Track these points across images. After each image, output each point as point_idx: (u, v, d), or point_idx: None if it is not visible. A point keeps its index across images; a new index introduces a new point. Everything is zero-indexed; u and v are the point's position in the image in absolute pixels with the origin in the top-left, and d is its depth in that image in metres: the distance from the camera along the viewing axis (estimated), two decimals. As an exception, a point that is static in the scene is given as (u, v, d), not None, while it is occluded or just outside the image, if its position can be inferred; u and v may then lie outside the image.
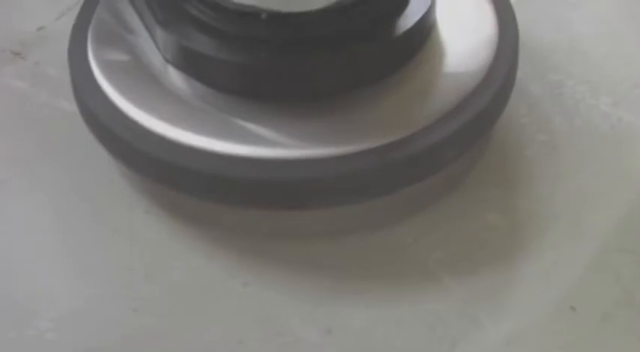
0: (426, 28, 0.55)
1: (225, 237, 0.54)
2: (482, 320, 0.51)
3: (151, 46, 0.55)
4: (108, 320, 0.51)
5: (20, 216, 0.56)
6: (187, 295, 0.52)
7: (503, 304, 0.52)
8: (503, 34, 0.56)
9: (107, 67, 0.55)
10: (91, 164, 0.58)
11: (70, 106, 0.60)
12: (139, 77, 0.55)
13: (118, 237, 0.54)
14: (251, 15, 0.52)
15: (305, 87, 0.53)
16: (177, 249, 0.54)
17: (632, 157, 0.58)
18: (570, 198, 0.56)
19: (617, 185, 0.56)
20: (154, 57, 0.55)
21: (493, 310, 0.51)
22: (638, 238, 0.54)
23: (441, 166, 0.54)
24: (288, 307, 0.51)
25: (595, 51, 0.63)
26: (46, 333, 0.50)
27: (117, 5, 0.58)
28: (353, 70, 0.53)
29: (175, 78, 0.54)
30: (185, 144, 0.51)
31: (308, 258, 0.53)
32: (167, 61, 0.55)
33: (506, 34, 0.57)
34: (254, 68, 0.53)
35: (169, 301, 0.52)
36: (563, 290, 0.52)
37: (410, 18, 0.54)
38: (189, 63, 0.54)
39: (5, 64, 0.64)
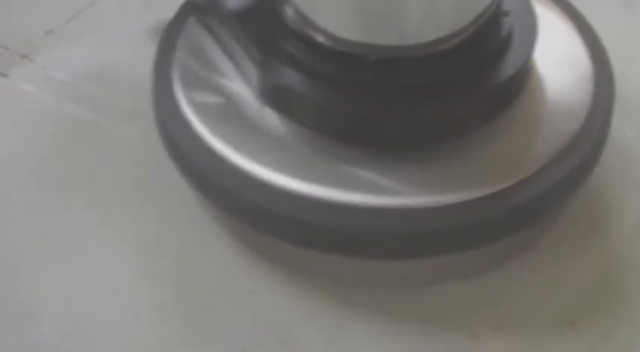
0: (527, 70, 0.53)
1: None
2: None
3: (244, 88, 0.53)
4: (111, 326, 0.51)
5: (24, 219, 0.56)
6: (191, 303, 0.52)
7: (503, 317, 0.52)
8: (598, 72, 0.54)
9: (199, 110, 0.52)
10: (98, 165, 0.58)
11: (78, 110, 0.60)
12: (233, 120, 0.52)
13: (124, 243, 0.55)
14: (358, 57, 0.49)
15: (409, 134, 0.51)
16: (184, 257, 0.54)
17: (636, 173, 0.58)
18: (573, 213, 0.55)
19: (621, 201, 0.56)
20: (248, 99, 0.52)
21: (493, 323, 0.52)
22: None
23: (550, 213, 0.52)
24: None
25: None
26: (48, 337, 0.51)
27: (200, 46, 0.55)
28: (458, 117, 0.51)
29: (273, 121, 0.52)
30: (289, 191, 0.49)
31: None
32: (264, 103, 0.52)
33: (601, 72, 0.54)
34: (358, 114, 0.50)
35: (172, 308, 0.52)
36: (563, 305, 0.52)
37: (513, 62, 0.51)
38: (290, 105, 0.51)
39: (13, 67, 0.64)
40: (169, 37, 0.56)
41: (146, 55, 0.64)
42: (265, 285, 0.53)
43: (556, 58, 0.55)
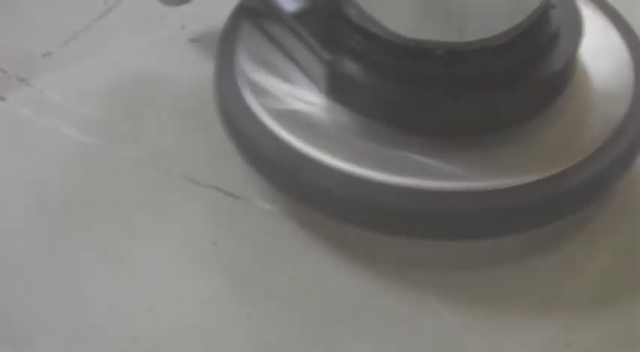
0: (576, 61, 0.56)
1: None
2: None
3: (309, 86, 0.55)
4: (108, 349, 0.51)
5: (22, 242, 0.56)
6: (188, 325, 0.52)
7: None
8: (636, 61, 0.58)
9: (270, 111, 0.55)
10: (97, 188, 0.58)
11: (76, 134, 0.60)
12: (304, 117, 0.55)
13: (122, 266, 0.54)
14: (425, 52, 0.52)
15: (470, 122, 0.54)
16: (182, 280, 0.54)
17: (627, 192, 0.58)
18: (569, 235, 0.56)
19: (616, 219, 0.57)
20: (315, 97, 0.55)
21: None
22: (638, 276, 0.54)
23: (604, 194, 0.55)
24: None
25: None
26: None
27: (259, 50, 0.58)
28: (516, 106, 0.54)
29: (342, 116, 0.54)
30: (365, 179, 0.52)
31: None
32: (333, 99, 0.55)
33: (639, 61, 0.58)
34: (424, 104, 0.53)
35: (170, 333, 0.52)
36: (559, 327, 0.52)
37: (564, 52, 0.54)
38: (359, 99, 0.54)
39: (10, 91, 0.64)
40: (227, 44, 0.59)
41: (143, 76, 0.64)
42: (261, 310, 0.53)
43: (596, 49, 0.58)
